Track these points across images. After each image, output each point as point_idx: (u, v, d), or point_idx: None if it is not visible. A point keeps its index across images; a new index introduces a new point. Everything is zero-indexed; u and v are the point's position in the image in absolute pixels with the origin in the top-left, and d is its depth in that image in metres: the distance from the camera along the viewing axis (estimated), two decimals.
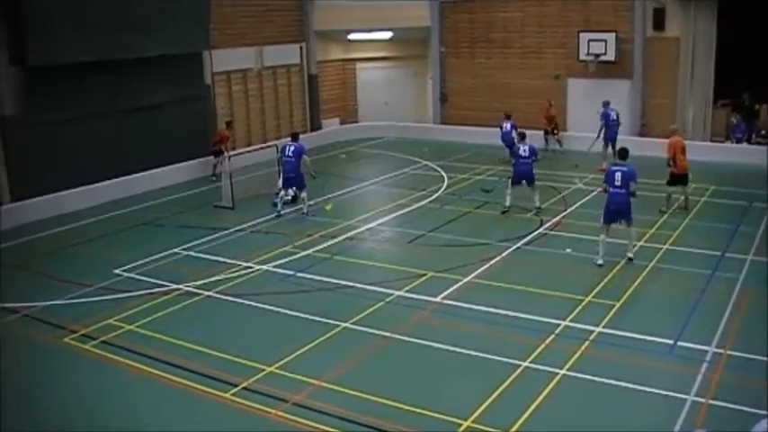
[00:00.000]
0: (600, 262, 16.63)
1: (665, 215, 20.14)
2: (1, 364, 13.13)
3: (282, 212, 21.77)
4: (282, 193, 21.99)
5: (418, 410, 10.90)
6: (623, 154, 17.18)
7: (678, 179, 20.50)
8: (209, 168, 27.06)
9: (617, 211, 16.75)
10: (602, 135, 25.93)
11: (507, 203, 20.93)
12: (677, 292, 15.07)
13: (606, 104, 26.27)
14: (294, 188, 21.99)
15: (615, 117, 26.01)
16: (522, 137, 21.72)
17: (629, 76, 29.48)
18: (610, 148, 25.50)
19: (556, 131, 29.89)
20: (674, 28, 28.60)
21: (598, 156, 25.79)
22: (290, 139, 22.54)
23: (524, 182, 20.90)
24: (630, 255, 16.88)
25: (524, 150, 20.84)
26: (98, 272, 17.55)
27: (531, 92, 31.13)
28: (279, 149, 22.64)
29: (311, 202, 22.07)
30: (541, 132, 29.60)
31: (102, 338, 13.99)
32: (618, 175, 16.59)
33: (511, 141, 25.51)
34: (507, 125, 26.70)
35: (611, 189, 16.74)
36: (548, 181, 23.91)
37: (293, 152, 21.56)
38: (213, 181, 26.21)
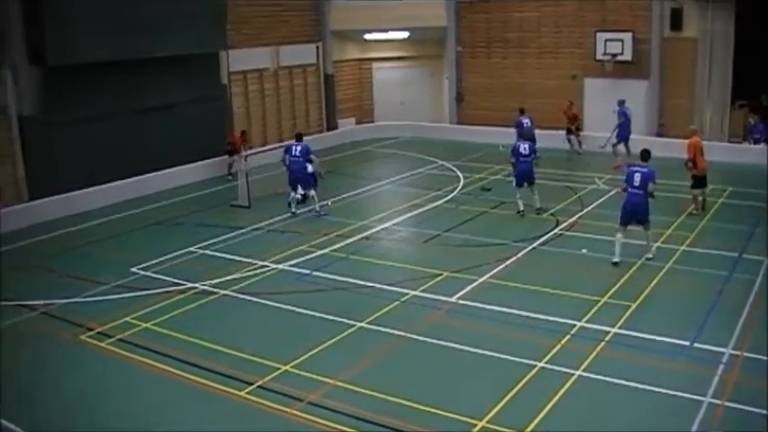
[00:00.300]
0: (616, 260, 16.63)
1: (684, 215, 20.02)
2: (17, 360, 13.27)
3: (297, 212, 21.81)
4: (293, 193, 22.01)
5: (433, 410, 10.90)
6: (646, 155, 17.06)
7: (701, 181, 20.47)
8: (226, 168, 27.16)
9: (633, 211, 16.71)
10: (615, 133, 26.03)
11: (521, 207, 20.77)
12: (694, 294, 14.98)
13: (622, 103, 26.36)
14: (302, 188, 21.94)
15: (630, 116, 26.08)
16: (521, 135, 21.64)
17: (646, 77, 29.36)
18: (622, 146, 25.54)
19: (579, 130, 29.52)
20: (692, 28, 28.46)
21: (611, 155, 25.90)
22: (294, 140, 22.64)
23: (525, 183, 20.82)
24: (650, 255, 16.85)
25: (525, 149, 20.77)
26: (115, 270, 17.66)
27: (548, 92, 31.09)
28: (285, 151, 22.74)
29: (326, 202, 22.15)
30: (561, 132, 29.50)
31: (119, 336, 14.06)
32: (637, 177, 16.56)
33: (533, 136, 25.17)
34: (527, 120, 26.56)
35: (629, 189, 16.72)
36: (564, 181, 23.91)
37: (300, 152, 21.64)
38: (229, 180, 26.31)
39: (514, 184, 21.06)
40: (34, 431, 9.73)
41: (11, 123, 22.47)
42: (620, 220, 16.93)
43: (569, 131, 29.55)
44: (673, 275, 16.05)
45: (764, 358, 12.06)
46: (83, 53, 23.04)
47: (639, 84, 29.36)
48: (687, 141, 20.78)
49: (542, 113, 29.04)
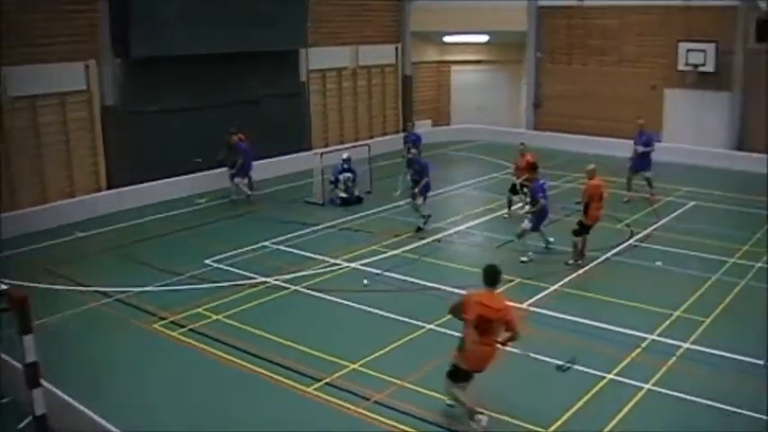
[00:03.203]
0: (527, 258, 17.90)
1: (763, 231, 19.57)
2: (90, 345, 13.66)
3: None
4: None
5: (498, 416, 10.87)
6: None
7: (587, 229, 17.73)
8: (306, 163, 26.62)
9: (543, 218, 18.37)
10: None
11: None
12: None
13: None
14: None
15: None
16: None
17: (728, 88, 28.74)
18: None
19: (525, 190, 20.21)
20: None
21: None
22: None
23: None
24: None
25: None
26: (189, 261, 18.01)
27: (627, 101, 30.51)
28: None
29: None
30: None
31: (191, 326, 14.36)
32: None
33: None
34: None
35: (546, 201, 18.30)
36: (642, 192, 23.42)
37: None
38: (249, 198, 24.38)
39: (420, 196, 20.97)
40: (103, 414, 9.94)
41: (93, 113, 23.03)
42: (534, 227, 18.26)
43: (517, 190, 21.47)
44: (748, 292, 15.71)
45: None
46: (164, 47, 23.65)
47: (721, 96, 28.74)
48: (589, 184, 17.73)
49: (620, 123, 28.55)
